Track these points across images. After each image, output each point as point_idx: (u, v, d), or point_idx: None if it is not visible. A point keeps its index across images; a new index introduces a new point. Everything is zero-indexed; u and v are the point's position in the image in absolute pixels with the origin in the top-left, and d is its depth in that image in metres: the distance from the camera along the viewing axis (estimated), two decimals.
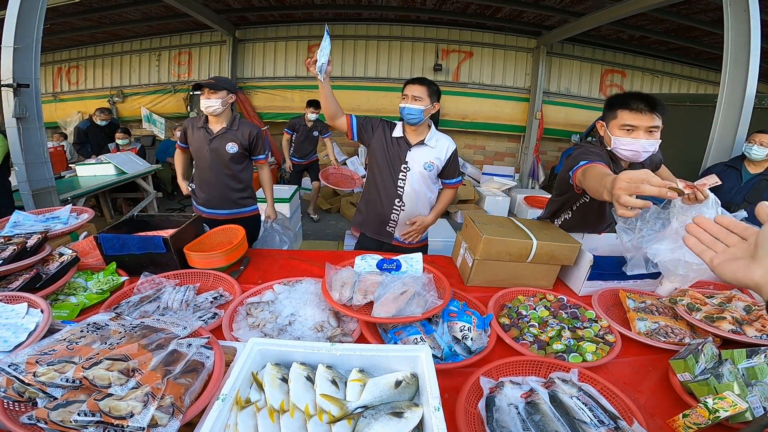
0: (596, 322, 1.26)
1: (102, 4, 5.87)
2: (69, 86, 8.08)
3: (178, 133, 5.82)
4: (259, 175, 2.44)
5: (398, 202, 1.96)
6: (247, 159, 2.30)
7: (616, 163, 1.48)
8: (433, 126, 1.95)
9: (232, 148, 2.17)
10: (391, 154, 1.90)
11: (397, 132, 1.90)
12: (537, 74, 6.94)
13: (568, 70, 7.22)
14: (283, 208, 3.72)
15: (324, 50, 1.59)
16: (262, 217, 2.51)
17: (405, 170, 1.91)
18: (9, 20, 2.64)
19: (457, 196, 5.85)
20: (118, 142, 5.19)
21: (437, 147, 1.92)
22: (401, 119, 1.89)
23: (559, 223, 1.82)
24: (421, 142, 1.89)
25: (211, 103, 2.06)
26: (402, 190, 1.93)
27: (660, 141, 1.36)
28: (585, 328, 1.22)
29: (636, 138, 1.36)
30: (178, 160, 2.46)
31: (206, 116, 2.17)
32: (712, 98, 3.26)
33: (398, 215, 1.99)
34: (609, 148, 1.46)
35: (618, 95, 1.42)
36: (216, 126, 2.16)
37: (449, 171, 1.97)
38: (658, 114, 1.34)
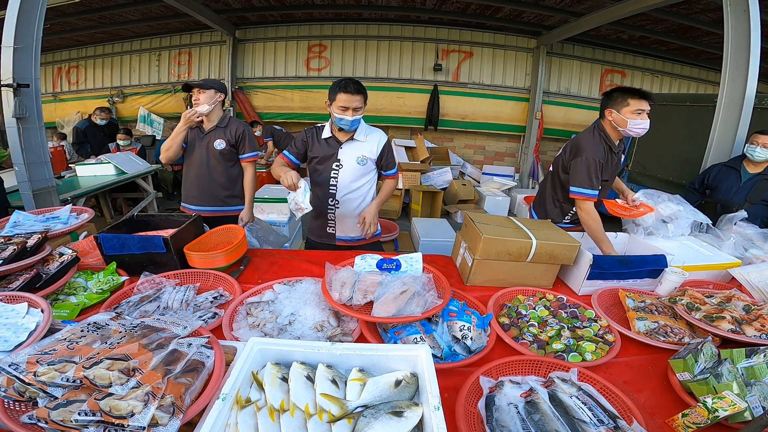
0: (596, 321, 1.26)
1: (102, 4, 5.87)
2: (69, 86, 8.08)
3: None
4: (244, 174, 2.37)
5: (332, 201, 1.95)
6: (235, 157, 2.31)
7: (611, 141, 1.84)
8: (362, 121, 1.92)
9: (219, 144, 2.21)
10: (323, 156, 1.90)
11: (326, 133, 1.90)
12: (537, 74, 6.94)
13: (568, 70, 7.22)
14: (284, 208, 3.71)
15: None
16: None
17: (337, 168, 1.90)
18: (9, 20, 2.64)
19: (457, 194, 5.86)
20: (120, 142, 5.18)
21: (368, 141, 1.92)
22: (339, 128, 1.85)
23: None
24: (351, 138, 1.89)
25: (205, 99, 2.13)
26: (335, 188, 1.92)
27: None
28: (584, 327, 1.22)
29: (644, 119, 1.73)
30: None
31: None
32: (712, 98, 3.26)
33: (334, 213, 1.98)
34: (622, 129, 1.78)
35: (621, 88, 1.77)
36: (207, 125, 2.22)
37: (386, 163, 1.98)
38: (651, 103, 1.74)
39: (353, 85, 1.72)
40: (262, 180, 5.57)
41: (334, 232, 2.02)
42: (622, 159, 2.02)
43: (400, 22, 6.90)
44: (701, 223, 1.92)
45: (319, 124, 1.96)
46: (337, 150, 1.89)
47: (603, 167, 1.81)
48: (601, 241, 1.75)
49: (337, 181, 1.91)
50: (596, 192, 1.80)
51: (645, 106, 1.70)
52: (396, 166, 2.06)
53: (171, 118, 7.42)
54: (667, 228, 1.85)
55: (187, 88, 2.16)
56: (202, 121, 2.22)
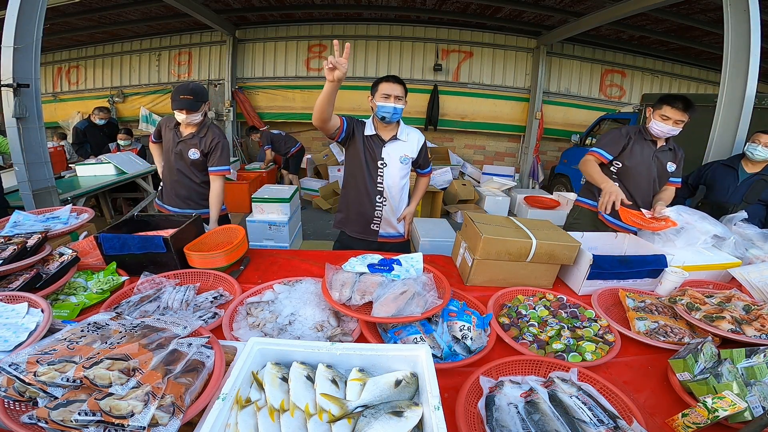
0: (596, 321, 1.26)
1: (102, 4, 5.87)
2: (69, 86, 8.09)
3: None
4: (211, 187, 2.20)
5: (379, 198, 1.98)
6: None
7: (647, 132, 2.07)
8: (401, 120, 1.98)
9: (194, 154, 2.14)
10: (368, 153, 1.92)
11: (369, 130, 1.91)
12: (537, 74, 6.94)
13: (568, 70, 7.23)
14: (283, 208, 3.72)
15: None
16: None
17: (382, 167, 1.93)
18: (9, 20, 2.64)
19: (457, 194, 5.86)
20: (120, 142, 5.19)
21: (409, 140, 1.97)
22: (382, 118, 1.85)
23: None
24: (394, 137, 1.92)
25: (192, 118, 2.07)
26: (382, 186, 1.96)
27: (680, 129, 1.96)
28: (584, 327, 1.22)
29: (666, 125, 1.95)
30: (155, 152, 2.36)
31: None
32: (712, 98, 3.26)
33: (381, 211, 2.01)
34: (647, 125, 2.05)
35: (669, 95, 1.99)
36: (186, 130, 2.15)
37: (423, 162, 2.09)
38: (689, 113, 1.91)
39: (393, 77, 1.83)
40: (262, 180, 5.59)
41: (377, 229, 2.05)
42: (671, 168, 2.09)
43: (400, 22, 6.91)
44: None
45: (362, 120, 1.95)
46: (381, 149, 1.91)
47: (627, 144, 2.06)
48: (597, 181, 2.00)
49: (383, 180, 1.95)
50: (601, 150, 2.10)
51: (673, 114, 1.91)
52: (430, 165, 2.17)
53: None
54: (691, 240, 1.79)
55: (179, 106, 2.04)
56: (178, 124, 2.15)
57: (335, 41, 1.43)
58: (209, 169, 2.18)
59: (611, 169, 2.13)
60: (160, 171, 2.35)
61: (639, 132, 2.08)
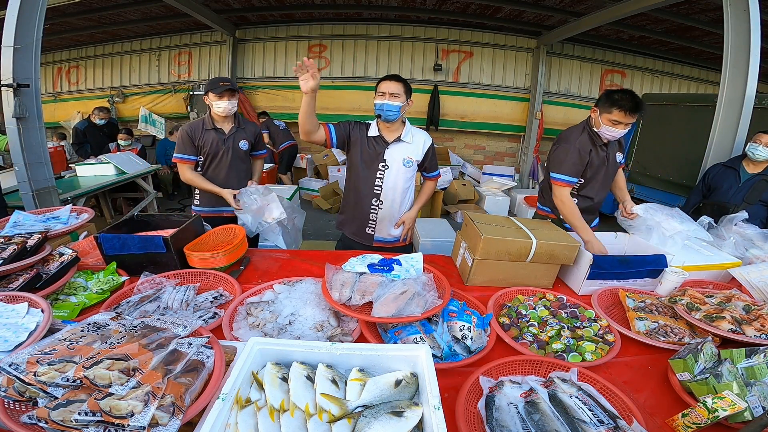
0: (596, 321, 1.26)
1: (102, 4, 5.87)
2: (69, 86, 8.08)
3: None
4: (254, 165, 2.51)
5: (375, 201, 1.96)
6: (249, 155, 2.41)
7: (598, 138, 1.89)
8: (407, 122, 1.95)
9: (244, 144, 2.26)
10: (369, 154, 1.90)
11: (373, 131, 1.89)
12: (537, 74, 6.94)
13: (568, 70, 7.22)
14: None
15: None
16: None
17: (383, 168, 1.91)
18: (9, 20, 2.64)
19: (457, 194, 5.86)
20: (120, 142, 5.19)
21: (414, 142, 1.93)
22: (378, 117, 1.86)
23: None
24: (398, 139, 1.90)
25: (233, 104, 2.12)
26: (380, 188, 1.93)
27: (628, 129, 1.82)
28: (584, 327, 1.22)
29: (617, 129, 1.79)
30: (194, 175, 2.18)
31: (212, 118, 2.17)
32: (712, 98, 3.26)
33: (377, 214, 1.98)
34: (596, 129, 1.87)
35: (617, 95, 1.76)
36: (226, 125, 2.20)
37: (429, 165, 2.04)
38: (639, 115, 1.77)
39: (391, 76, 1.81)
40: (262, 180, 5.58)
41: (373, 233, 2.02)
42: (620, 158, 2.02)
43: (400, 22, 6.90)
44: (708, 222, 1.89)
45: (367, 122, 1.95)
46: (383, 150, 1.89)
47: (588, 159, 1.87)
48: (578, 228, 1.79)
49: (382, 182, 1.92)
50: (573, 179, 1.87)
51: (625, 119, 1.74)
52: (438, 169, 2.12)
53: (171, 118, 7.42)
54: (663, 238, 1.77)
55: (218, 91, 2.06)
56: (213, 123, 2.16)
57: (302, 61, 1.50)
58: (258, 153, 2.46)
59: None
60: (213, 186, 2.15)
61: (589, 138, 1.89)
